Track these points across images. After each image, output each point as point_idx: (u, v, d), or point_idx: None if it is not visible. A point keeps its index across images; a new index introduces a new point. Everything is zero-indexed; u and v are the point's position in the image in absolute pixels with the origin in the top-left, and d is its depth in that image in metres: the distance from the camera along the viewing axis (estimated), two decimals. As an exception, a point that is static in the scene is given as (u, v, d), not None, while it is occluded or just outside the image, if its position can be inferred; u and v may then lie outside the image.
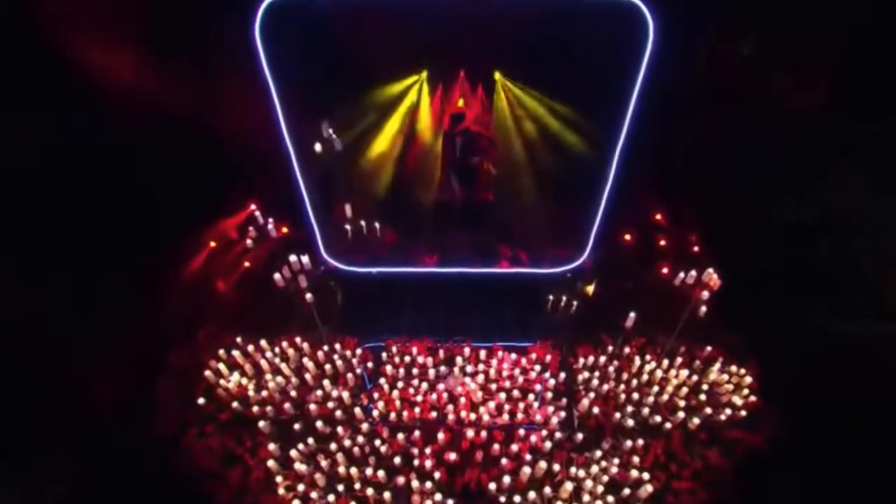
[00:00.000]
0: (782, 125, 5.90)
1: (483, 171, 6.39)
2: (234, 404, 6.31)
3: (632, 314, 6.11)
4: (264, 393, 6.48)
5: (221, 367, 6.62)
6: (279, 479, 5.76)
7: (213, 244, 7.48)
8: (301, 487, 5.71)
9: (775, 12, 5.38)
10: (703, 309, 5.61)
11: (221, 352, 6.72)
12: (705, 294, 5.57)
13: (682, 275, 5.73)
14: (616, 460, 5.81)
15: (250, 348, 6.82)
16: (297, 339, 6.85)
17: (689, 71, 5.57)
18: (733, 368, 6.49)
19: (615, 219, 6.58)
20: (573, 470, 5.73)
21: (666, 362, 6.59)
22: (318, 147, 5.97)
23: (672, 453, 5.90)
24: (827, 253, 6.50)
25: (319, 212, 6.43)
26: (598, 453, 5.85)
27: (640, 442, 5.89)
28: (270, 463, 5.76)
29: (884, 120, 5.83)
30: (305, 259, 5.74)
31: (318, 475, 5.68)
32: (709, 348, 6.64)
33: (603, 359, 6.65)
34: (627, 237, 7.50)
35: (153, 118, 5.69)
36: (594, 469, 5.71)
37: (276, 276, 5.73)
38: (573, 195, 6.48)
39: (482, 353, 6.79)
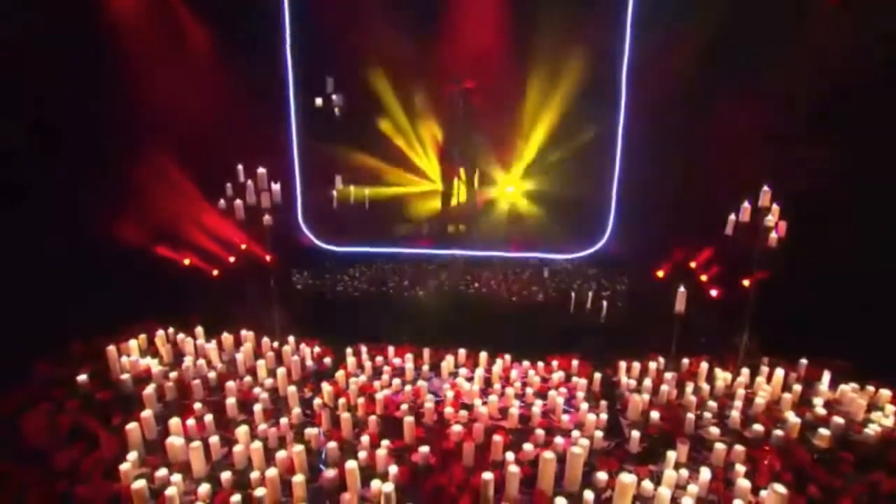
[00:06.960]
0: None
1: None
2: (124, 377, 4.43)
3: (681, 289, 4.59)
4: (173, 374, 4.60)
5: (133, 345, 4.96)
6: (132, 455, 3.45)
7: (186, 262, 6.65)
8: (162, 472, 3.34)
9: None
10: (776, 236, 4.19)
11: (142, 336, 5.16)
12: (774, 237, 4.30)
13: (732, 217, 4.53)
14: (706, 472, 3.33)
15: (180, 337, 5.22)
16: (243, 331, 5.30)
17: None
18: (852, 384, 4.38)
19: (639, 197, 5.64)
20: (631, 478, 3.26)
21: (746, 371, 4.57)
22: (318, 101, 5.88)
23: (801, 471, 3.38)
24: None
25: (306, 171, 5.86)
26: (672, 457, 3.41)
27: (740, 448, 3.50)
28: (131, 427, 3.58)
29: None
30: (276, 187, 4.95)
31: (197, 454, 3.40)
32: (804, 361, 4.69)
33: (653, 365, 4.71)
34: (661, 273, 6.34)
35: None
36: (669, 475, 3.22)
37: (234, 201, 4.85)
38: (587, 171, 5.77)
39: (482, 358, 4.93)
